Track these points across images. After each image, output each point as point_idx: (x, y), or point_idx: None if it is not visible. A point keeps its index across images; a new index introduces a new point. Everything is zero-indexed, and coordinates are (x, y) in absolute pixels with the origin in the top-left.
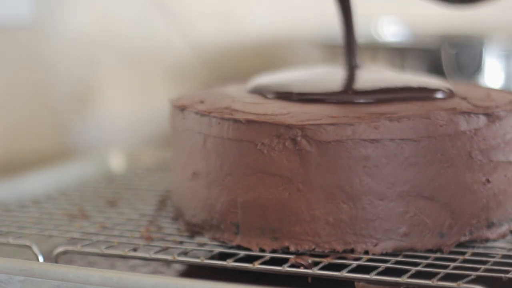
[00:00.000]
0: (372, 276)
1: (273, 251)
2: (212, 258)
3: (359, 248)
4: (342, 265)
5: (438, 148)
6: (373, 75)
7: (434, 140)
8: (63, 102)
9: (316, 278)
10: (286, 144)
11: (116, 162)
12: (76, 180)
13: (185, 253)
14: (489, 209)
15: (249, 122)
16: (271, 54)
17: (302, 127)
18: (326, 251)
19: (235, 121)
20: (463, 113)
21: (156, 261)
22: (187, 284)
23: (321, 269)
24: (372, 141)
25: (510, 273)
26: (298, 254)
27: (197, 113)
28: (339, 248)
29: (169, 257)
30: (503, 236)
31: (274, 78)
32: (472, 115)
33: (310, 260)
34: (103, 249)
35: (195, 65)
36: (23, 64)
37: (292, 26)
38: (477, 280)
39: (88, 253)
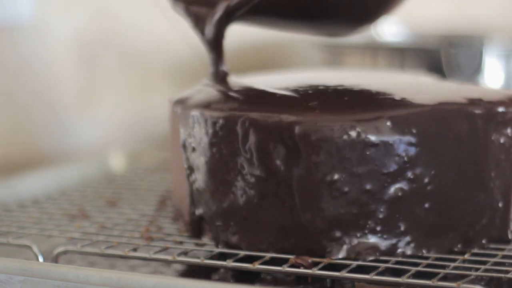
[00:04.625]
0: (372, 276)
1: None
2: (212, 258)
3: None
4: (342, 265)
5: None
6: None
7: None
8: (63, 102)
9: (316, 278)
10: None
11: (116, 162)
12: (76, 180)
13: (185, 253)
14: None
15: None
16: (271, 54)
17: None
18: None
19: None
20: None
21: (156, 261)
22: (187, 284)
23: (321, 269)
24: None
25: (510, 273)
26: (298, 254)
27: None
28: None
29: (169, 257)
30: None
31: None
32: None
33: (310, 260)
34: (103, 249)
35: (195, 65)
36: (23, 64)
37: None
38: (477, 280)
39: (88, 253)
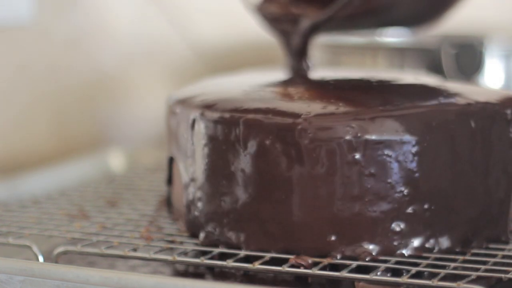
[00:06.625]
0: (372, 276)
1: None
2: (212, 258)
3: None
4: (342, 265)
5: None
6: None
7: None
8: (63, 102)
9: (316, 278)
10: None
11: (116, 162)
12: (76, 180)
13: (185, 253)
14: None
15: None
16: (271, 54)
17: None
18: None
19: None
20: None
21: (156, 261)
22: (187, 284)
23: (321, 269)
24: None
25: (510, 273)
26: (298, 254)
27: None
28: None
29: (169, 257)
30: None
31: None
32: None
33: (310, 260)
34: (103, 249)
35: (195, 64)
36: (23, 64)
37: None
38: (477, 280)
39: (88, 253)
